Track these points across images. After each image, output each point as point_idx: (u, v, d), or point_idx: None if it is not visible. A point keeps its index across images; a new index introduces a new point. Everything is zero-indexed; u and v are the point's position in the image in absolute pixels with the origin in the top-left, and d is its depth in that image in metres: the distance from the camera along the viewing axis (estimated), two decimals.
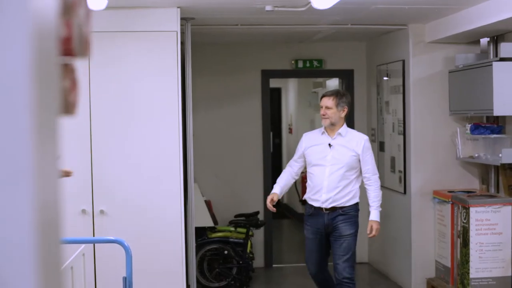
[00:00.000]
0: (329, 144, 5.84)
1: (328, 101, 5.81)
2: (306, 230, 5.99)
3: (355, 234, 5.89)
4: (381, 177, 8.23)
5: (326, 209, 5.82)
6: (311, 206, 5.89)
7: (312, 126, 11.93)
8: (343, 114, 5.86)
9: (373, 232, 5.90)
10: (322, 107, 5.85)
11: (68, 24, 1.09)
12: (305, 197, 6.00)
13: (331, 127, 5.85)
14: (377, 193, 5.96)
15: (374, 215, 5.93)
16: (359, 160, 5.86)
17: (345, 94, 5.99)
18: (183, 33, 6.34)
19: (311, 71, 8.95)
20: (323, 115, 5.82)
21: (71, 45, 1.11)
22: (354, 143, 5.86)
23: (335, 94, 5.90)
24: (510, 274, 6.58)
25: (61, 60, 1.12)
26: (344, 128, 5.91)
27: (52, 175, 0.97)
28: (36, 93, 0.86)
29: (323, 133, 5.91)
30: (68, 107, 1.17)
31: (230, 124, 8.77)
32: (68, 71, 1.16)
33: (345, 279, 5.77)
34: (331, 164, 5.80)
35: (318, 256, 5.95)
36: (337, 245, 5.81)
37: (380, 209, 5.97)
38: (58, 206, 1.00)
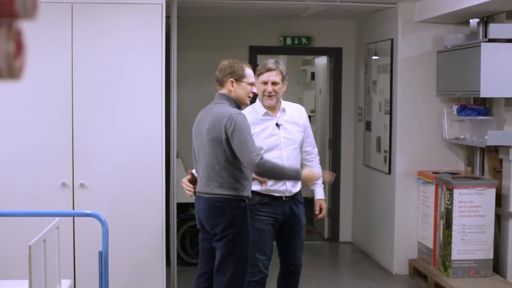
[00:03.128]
0: (277, 124, 4.96)
1: (274, 76, 4.88)
2: (257, 221, 4.87)
3: None
4: (367, 157, 8.25)
5: (286, 196, 5.01)
6: (264, 194, 4.96)
7: (300, 104, 11.83)
8: (285, 88, 5.07)
9: (323, 212, 5.30)
10: (266, 82, 4.87)
11: None
12: (260, 189, 4.93)
13: (274, 105, 4.98)
14: (320, 168, 5.26)
15: (320, 192, 5.27)
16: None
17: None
18: (168, 7, 6.23)
19: (299, 48, 8.86)
20: (271, 92, 4.86)
21: (13, 6, 1.03)
22: (298, 116, 5.10)
23: (278, 65, 4.96)
24: (491, 257, 6.58)
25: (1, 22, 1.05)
26: (284, 102, 5.11)
27: None
28: None
29: (265, 113, 4.98)
30: (13, 72, 1.10)
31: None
32: (12, 34, 1.09)
33: (301, 267, 5.29)
34: (285, 145, 4.95)
35: (271, 250, 5.08)
36: (297, 237, 5.14)
37: (323, 185, 5.32)
38: None
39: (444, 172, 7.10)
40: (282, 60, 12.39)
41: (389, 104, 7.52)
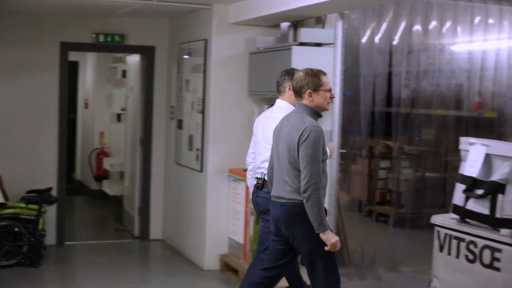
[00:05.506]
0: None
1: None
2: None
3: None
4: (179, 155, 8.35)
5: None
6: None
7: (109, 102, 11.75)
8: None
9: None
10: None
11: None
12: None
13: None
14: None
15: None
16: None
17: None
18: None
19: (112, 45, 8.79)
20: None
21: None
22: None
23: None
24: None
25: None
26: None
27: None
28: None
29: None
30: None
31: (25, 96, 8.43)
32: None
33: None
34: None
35: None
36: None
37: None
38: None
39: None
40: (93, 57, 12.28)
41: (201, 103, 7.66)
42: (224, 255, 7.50)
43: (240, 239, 7.21)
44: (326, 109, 4.84)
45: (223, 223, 7.54)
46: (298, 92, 4.78)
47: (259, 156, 5.59)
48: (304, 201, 4.56)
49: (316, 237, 4.64)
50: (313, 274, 4.80)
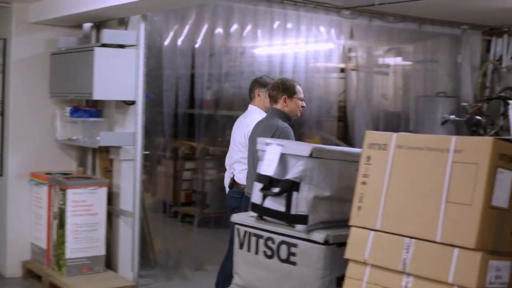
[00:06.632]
0: None
1: None
2: None
3: None
4: None
5: None
6: None
7: None
8: None
9: None
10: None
11: None
12: None
13: None
14: None
15: None
16: None
17: None
18: None
19: None
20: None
21: None
22: None
23: None
24: (104, 253, 6.85)
25: None
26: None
27: None
28: None
29: None
30: None
31: None
32: None
33: None
34: None
35: None
36: None
37: None
38: None
39: (57, 173, 7.20)
40: None
41: (0, 105, 7.40)
42: (27, 262, 7.29)
43: (43, 244, 7.04)
44: (297, 116, 5.30)
45: (25, 228, 7.33)
46: (274, 98, 5.22)
47: (233, 156, 5.90)
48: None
49: None
50: None
